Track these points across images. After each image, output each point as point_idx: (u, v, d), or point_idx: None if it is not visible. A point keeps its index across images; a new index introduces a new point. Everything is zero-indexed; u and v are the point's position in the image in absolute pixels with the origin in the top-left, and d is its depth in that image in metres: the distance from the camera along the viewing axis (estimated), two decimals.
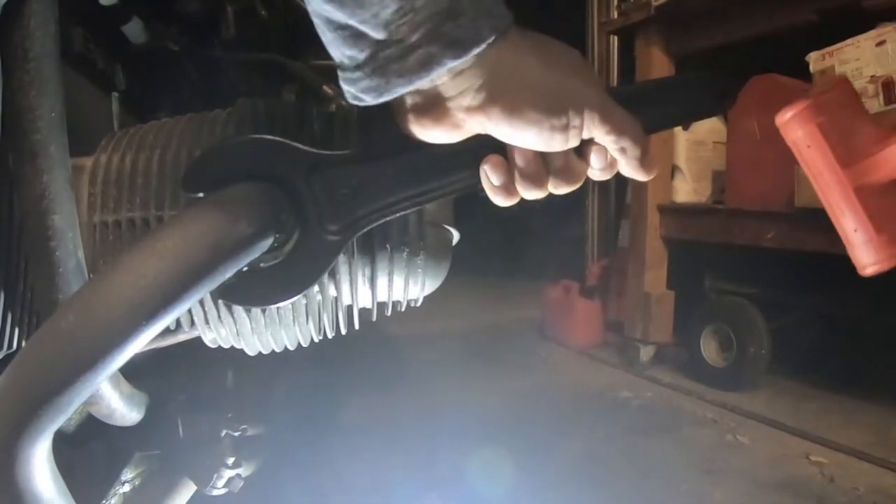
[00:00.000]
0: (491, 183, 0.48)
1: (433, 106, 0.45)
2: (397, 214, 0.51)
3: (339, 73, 0.46)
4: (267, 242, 0.48)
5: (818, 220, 1.81)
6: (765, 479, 1.58)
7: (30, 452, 0.41)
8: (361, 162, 0.50)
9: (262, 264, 0.50)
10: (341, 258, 0.59)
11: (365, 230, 0.51)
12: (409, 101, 0.46)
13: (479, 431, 1.84)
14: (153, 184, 0.61)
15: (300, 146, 0.50)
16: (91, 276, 0.58)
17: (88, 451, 0.78)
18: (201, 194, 0.49)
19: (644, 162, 0.49)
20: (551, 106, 0.45)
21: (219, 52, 1.02)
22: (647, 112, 0.51)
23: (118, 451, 0.82)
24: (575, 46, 0.50)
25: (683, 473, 1.62)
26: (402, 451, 1.74)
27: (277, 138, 0.50)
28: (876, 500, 1.47)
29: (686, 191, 2.42)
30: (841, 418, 1.93)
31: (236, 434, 0.88)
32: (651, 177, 0.50)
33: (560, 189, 0.49)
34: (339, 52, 0.44)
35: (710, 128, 2.41)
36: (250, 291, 0.50)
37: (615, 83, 2.76)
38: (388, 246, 0.61)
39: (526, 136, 0.45)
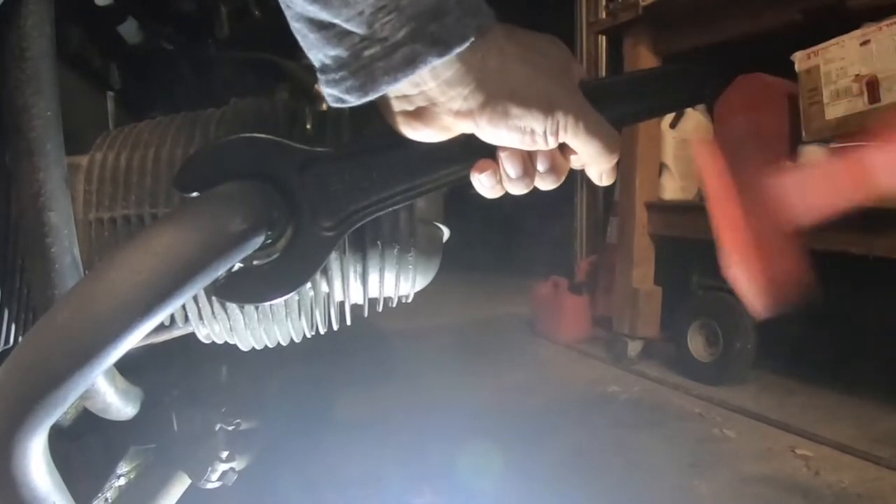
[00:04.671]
0: (482, 184, 0.50)
1: (422, 110, 0.47)
2: (390, 209, 0.52)
3: (322, 77, 0.45)
4: (259, 239, 0.48)
5: None
6: (751, 473, 1.60)
7: (26, 446, 0.41)
8: (353, 158, 0.51)
9: (255, 262, 0.50)
10: (333, 255, 0.59)
11: (358, 225, 0.52)
12: (397, 106, 0.47)
13: (470, 425, 1.85)
14: (148, 181, 0.61)
15: (292, 143, 0.51)
16: (86, 272, 0.58)
17: (84, 445, 0.79)
18: (195, 193, 0.49)
19: (606, 172, 0.52)
20: (534, 113, 0.46)
21: (213, 51, 1.02)
22: (627, 104, 0.52)
23: (114, 445, 0.82)
24: None
25: (670, 467, 1.64)
26: (393, 444, 1.75)
27: (269, 136, 0.50)
28: (860, 493, 1.49)
29: (673, 188, 2.44)
30: (826, 412, 1.95)
31: (230, 428, 0.88)
32: (607, 184, 0.53)
33: (545, 184, 0.51)
34: (323, 53, 0.44)
35: (696, 126, 2.43)
36: (245, 289, 0.51)
37: None
38: (379, 243, 0.61)
39: (510, 139, 0.47)
